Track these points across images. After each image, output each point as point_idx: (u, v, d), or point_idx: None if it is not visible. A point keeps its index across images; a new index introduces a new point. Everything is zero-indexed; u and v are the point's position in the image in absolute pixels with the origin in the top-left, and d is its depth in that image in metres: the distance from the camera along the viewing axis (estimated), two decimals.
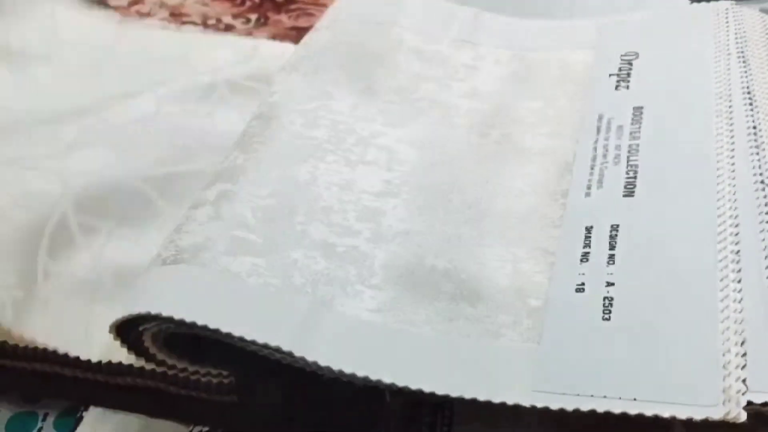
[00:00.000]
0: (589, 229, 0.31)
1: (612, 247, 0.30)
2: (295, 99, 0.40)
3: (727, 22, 0.41)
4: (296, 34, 0.58)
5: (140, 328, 0.29)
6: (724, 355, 0.26)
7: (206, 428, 0.32)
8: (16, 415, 0.33)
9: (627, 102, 0.37)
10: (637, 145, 0.34)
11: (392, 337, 0.29)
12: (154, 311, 0.28)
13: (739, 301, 0.27)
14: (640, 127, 0.35)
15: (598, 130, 0.36)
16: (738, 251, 0.29)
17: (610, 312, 0.28)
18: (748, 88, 0.36)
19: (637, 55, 0.40)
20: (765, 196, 0.31)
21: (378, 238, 0.33)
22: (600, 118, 0.37)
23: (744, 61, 0.38)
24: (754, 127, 0.34)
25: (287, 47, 0.52)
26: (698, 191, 0.32)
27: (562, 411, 0.26)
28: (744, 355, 0.26)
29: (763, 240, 0.29)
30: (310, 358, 0.27)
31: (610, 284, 0.29)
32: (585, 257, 0.30)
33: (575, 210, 0.33)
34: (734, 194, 0.31)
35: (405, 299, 0.31)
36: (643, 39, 0.41)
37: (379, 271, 0.32)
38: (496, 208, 0.34)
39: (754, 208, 0.30)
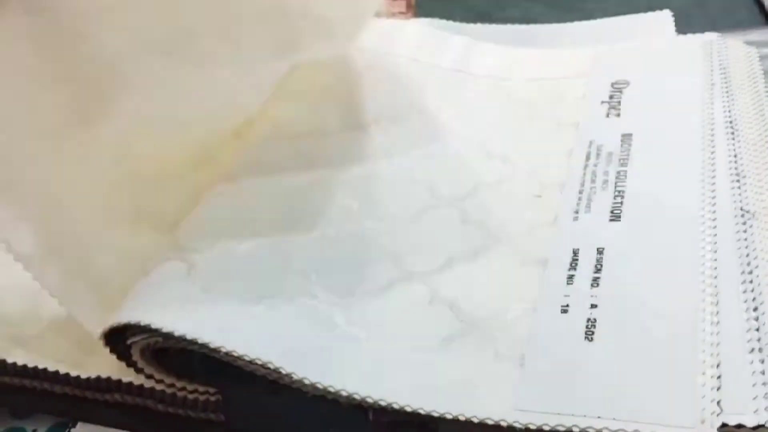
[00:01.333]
0: (575, 252, 0.32)
1: (597, 270, 0.31)
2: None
3: (712, 54, 0.42)
4: None
5: (128, 342, 0.30)
6: (699, 377, 0.26)
7: None
8: (4, 430, 0.33)
9: (617, 129, 0.38)
10: (625, 171, 0.35)
11: (378, 356, 0.29)
12: (143, 322, 0.29)
13: (716, 324, 0.28)
14: (628, 154, 0.36)
15: (588, 156, 0.37)
16: (716, 276, 0.29)
17: (593, 333, 0.28)
18: (730, 118, 0.37)
19: (627, 83, 0.41)
20: (744, 223, 0.31)
21: None
22: (590, 144, 0.37)
23: (727, 92, 0.39)
24: (735, 156, 0.34)
25: None
26: (681, 218, 0.32)
27: (543, 429, 0.26)
28: (719, 377, 0.26)
29: (741, 265, 0.30)
30: (298, 374, 0.28)
31: (593, 306, 0.29)
32: (570, 279, 0.31)
33: (563, 233, 0.33)
34: (714, 221, 0.32)
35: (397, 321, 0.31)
36: (633, 68, 0.42)
37: None
38: (492, 229, 0.35)
39: (733, 234, 0.31)
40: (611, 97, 0.40)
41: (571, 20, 0.54)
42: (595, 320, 0.29)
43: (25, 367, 0.33)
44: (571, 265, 0.31)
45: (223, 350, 0.28)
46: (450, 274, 0.33)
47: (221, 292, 0.31)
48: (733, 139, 0.35)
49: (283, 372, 0.28)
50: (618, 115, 0.39)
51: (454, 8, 0.56)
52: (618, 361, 0.27)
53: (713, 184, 0.33)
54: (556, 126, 0.40)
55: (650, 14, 0.52)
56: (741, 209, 0.32)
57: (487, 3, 0.59)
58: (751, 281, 0.29)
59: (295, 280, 0.32)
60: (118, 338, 0.30)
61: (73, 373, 0.32)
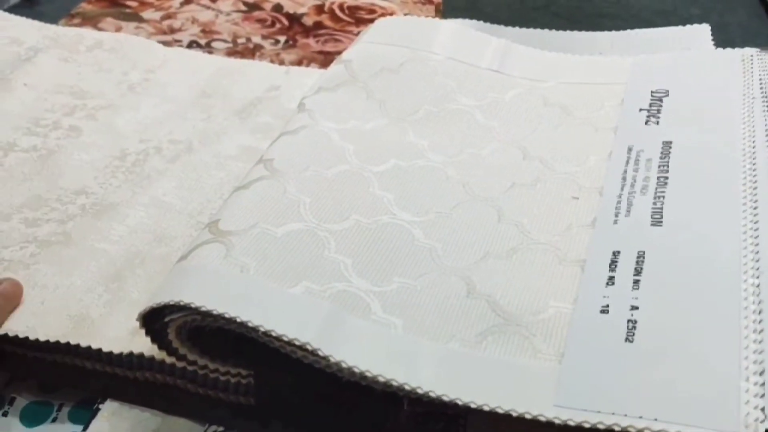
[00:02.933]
0: (615, 254, 0.32)
1: (637, 273, 0.31)
2: (326, 117, 0.41)
3: (752, 68, 0.42)
4: (323, 58, 0.59)
5: (166, 319, 0.30)
6: (743, 383, 0.26)
7: (221, 428, 0.32)
8: (31, 403, 0.33)
9: (656, 136, 0.38)
10: (666, 178, 0.35)
11: (415, 345, 0.29)
12: (183, 301, 0.28)
13: (759, 332, 0.28)
14: (668, 161, 0.36)
15: (627, 161, 0.37)
16: (759, 284, 0.29)
17: (633, 334, 0.28)
18: None
19: (667, 92, 0.41)
20: None
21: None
22: (629, 149, 0.37)
23: (767, 106, 0.39)
24: None
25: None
26: (723, 225, 0.32)
27: (583, 426, 0.26)
28: (762, 384, 0.26)
29: None
30: (336, 357, 0.28)
31: (634, 308, 0.29)
32: (611, 281, 0.31)
33: (603, 236, 0.33)
34: (756, 230, 0.32)
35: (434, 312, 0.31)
36: (673, 78, 0.42)
37: None
38: (529, 228, 0.35)
39: None
40: (651, 105, 0.40)
41: None
42: (635, 321, 0.29)
43: (57, 342, 0.33)
44: (610, 266, 0.31)
45: (262, 329, 0.28)
46: (486, 270, 0.33)
47: (259, 273, 0.31)
48: None
49: (321, 354, 0.28)
50: (657, 123, 0.39)
51: (478, 19, 0.56)
52: (659, 362, 0.27)
53: (755, 194, 0.33)
54: (594, 130, 0.40)
55: (688, 27, 0.52)
56: None
57: (509, 15, 0.59)
58: None
59: (331, 266, 0.32)
60: (156, 318, 0.30)
61: (105, 349, 0.32)
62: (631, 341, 0.28)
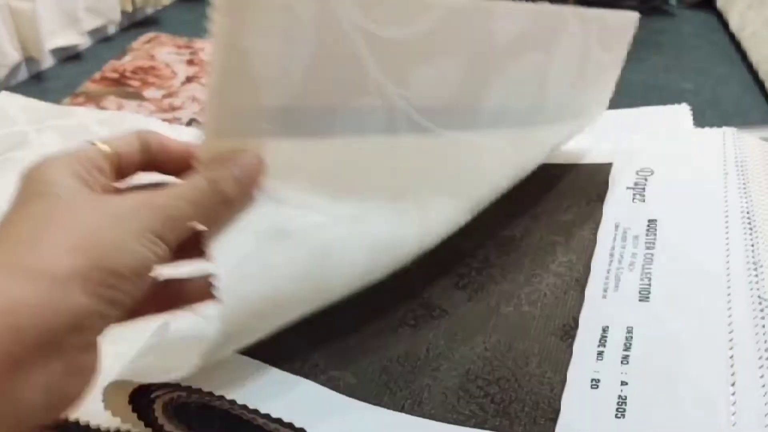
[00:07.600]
0: (605, 330, 0.32)
1: (627, 348, 0.31)
2: None
3: (726, 146, 0.43)
4: None
5: (152, 395, 0.30)
6: None
7: None
8: None
9: (642, 214, 0.38)
10: (652, 254, 0.36)
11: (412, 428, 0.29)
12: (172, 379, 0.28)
13: (734, 404, 0.28)
14: (654, 238, 0.36)
15: (615, 238, 0.37)
16: (732, 356, 0.29)
17: (624, 410, 0.28)
18: (747, 208, 0.37)
19: (652, 171, 0.41)
20: (761, 310, 0.31)
21: None
22: (617, 227, 0.38)
23: (744, 184, 0.39)
24: (752, 246, 0.35)
25: None
26: (708, 300, 0.32)
27: None
28: None
29: (759, 351, 0.30)
30: None
31: (624, 383, 0.29)
32: (600, 356, 0.31)
33: (592, 311, 0.33)
34: (730, 309, 0.32)
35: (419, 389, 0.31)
36: (657, 157, 0.43)
37: None
38: (521, 308, 0.35)
39: (751, 320, 0.31)
40: (636, 183, 0.41)
41: None
42: (625, 398, 0.29)
43: None
44: (600, 341, 0.31)
45: (250, 407, 0.28)
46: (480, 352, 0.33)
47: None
48: (751, 229, 0.36)
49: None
50: (643, 200, 0.40)
51: None
52: None
53: (728, 270, 0.33)
54: (582, 208, 0.41)
55: (669, 107, 0.54)
56: (759, 297, 0.32)
57: None
58: None
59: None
60: (142, 394, 0.30)
61: (90, 424, 0.32)
62: (622, 417, 0.28)
